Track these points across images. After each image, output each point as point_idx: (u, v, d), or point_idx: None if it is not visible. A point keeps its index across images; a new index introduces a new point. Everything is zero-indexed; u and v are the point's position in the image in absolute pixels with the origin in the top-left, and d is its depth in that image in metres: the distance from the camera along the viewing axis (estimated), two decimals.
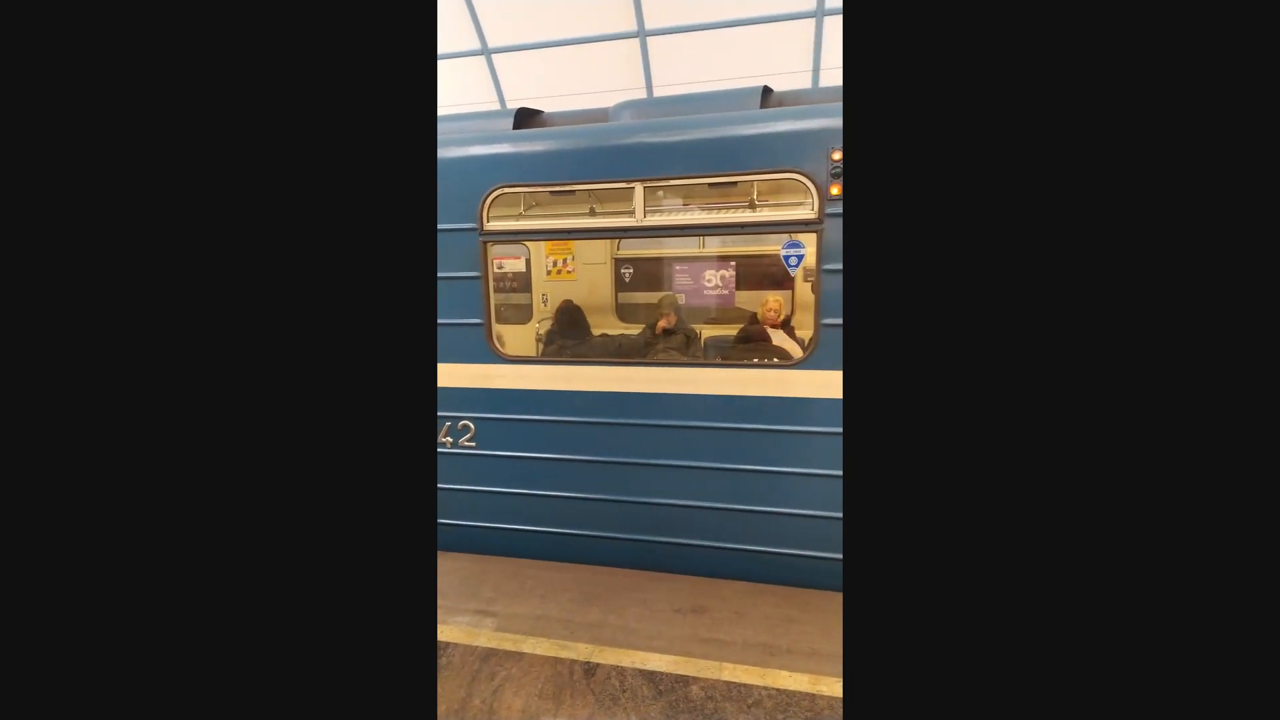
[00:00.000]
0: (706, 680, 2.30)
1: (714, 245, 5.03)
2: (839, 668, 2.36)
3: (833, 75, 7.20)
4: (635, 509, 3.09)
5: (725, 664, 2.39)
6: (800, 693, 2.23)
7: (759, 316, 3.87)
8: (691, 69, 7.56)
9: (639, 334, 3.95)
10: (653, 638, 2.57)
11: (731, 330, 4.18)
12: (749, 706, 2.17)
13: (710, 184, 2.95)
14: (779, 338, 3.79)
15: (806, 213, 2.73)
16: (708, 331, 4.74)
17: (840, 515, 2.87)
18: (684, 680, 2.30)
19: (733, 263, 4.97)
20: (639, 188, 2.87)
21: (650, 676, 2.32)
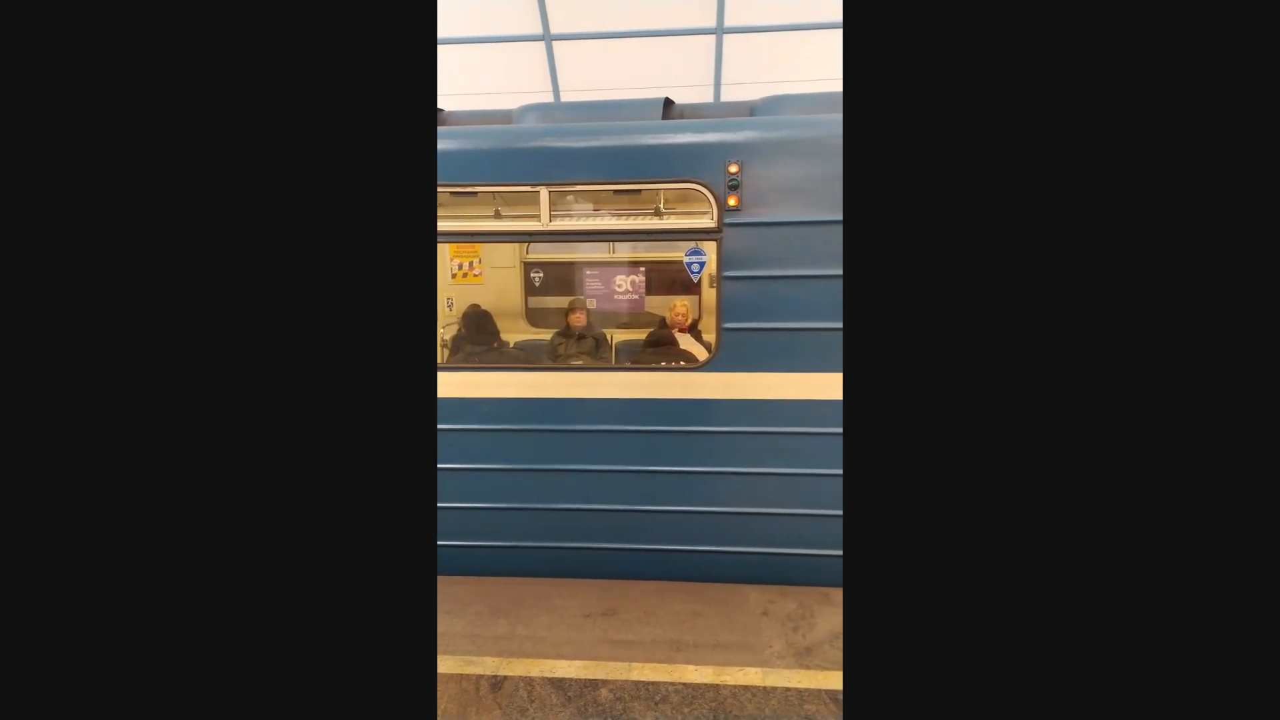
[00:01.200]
0: (616, 682, 2.32)
1: (625, 251, 5.10)
2: (743, 657, 2.46)
3: (733, 90, 7.53)
4: (548, 516, 3.06)
5: (634, 664, 2.42)
6: (705, 685, 2.30)
7: (667, 321, 3.96)
8: (597, 75, 7.59)
9: (551, 338, 3.92)
10: (562, 645, 2.55)
11: (642, 334, 4.25)
12: (656, 704, 2.21)
13: (616, 190, 2.99)
14: (686, 341, 3.90)
15: (707, 222, 2.85)
16: (619, 336, 4.79)
17: (747, 510, 3.02)
18: (593, 684, 2.30)
19: (642, 268, 5.05)
20: (544, 192, 2.86)
21: (559, 684, 2.31)
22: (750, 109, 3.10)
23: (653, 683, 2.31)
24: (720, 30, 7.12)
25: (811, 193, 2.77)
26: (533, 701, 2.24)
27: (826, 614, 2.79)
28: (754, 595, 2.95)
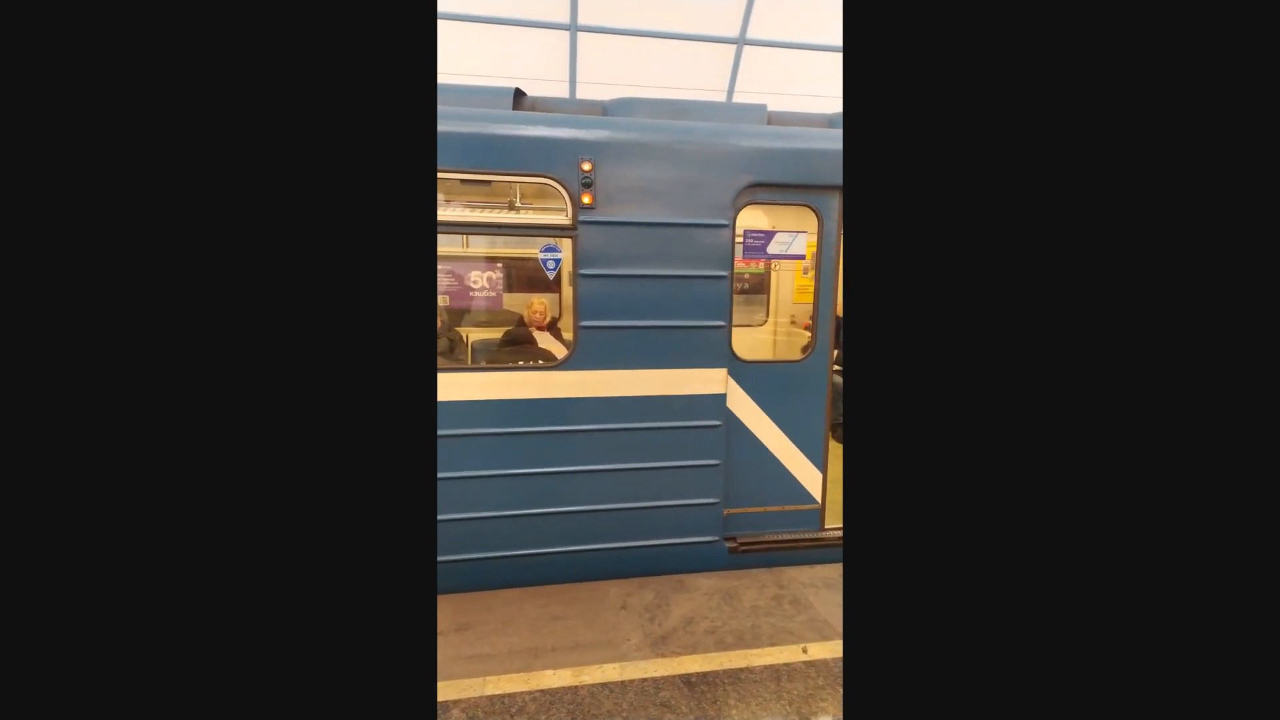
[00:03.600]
0: (469, 700, 2.20)
1: (481, 246, 4.88)
2: (601, 654, 2.48)
3: (588, 90, 7.57)
4: None
5: (489, 677, 2.32)
6: (563, 688, 2.27)
7: (525, 319, 3.86)
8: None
9: None
10: None
11: (499, 333, 4.10)
12: (513, 715, 2.14)
13: (463, 180, 2.84)
14: (545, 340, 3.84)
15: (563, 219, 2.81)
16: (475, 335, 4.57)
17: (613, 506, 3.03)
18: (444, 706, 2.17)
19: (500, 265, 4.87)
20: None
21: None
22: (603, 109, 3.11)
23: (509, 694, 2.23)
24: (574, 28, 7.12)
25: (664, 195, 2.86)
26: None
27: (680, 600, 2.91)
28: (614, 590, 2.98)
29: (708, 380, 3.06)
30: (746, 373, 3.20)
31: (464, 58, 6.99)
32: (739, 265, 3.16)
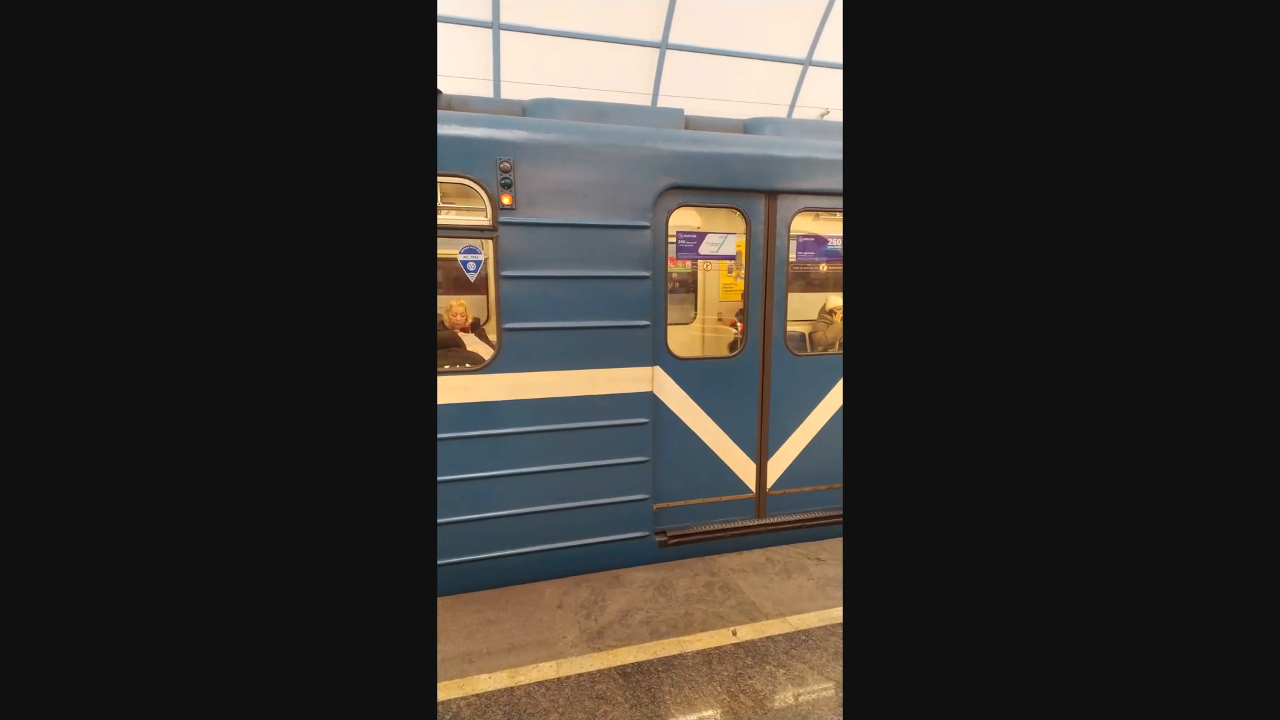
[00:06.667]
0: None
1: None
2: (537, 654, 2.48)
3: (511, 89, 7.50)
4: None
5: None
6: (499, 690, 2.26)
7: (445, 322, 3.78)
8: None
9: None
10: None
11: None
12: None
13: None
14: (471, 342, 3.77)
15: (483, 219, 2.78)
16: None
17: (542, 509, 3.02)
18: None
19: None
20: None
21: None
22: (522, 109, 3.11)
23: (443, 702, 2.20)
24: (496, 26, 7.02)
25: (584, 196, 2.89)
26: None
27: (616, 595, 2.95)
28: (549, 590, 2.99)
29: (634, 379, 3.11)
30: (682, 369, 3.25)
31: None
32: (671, 265, 3.24)
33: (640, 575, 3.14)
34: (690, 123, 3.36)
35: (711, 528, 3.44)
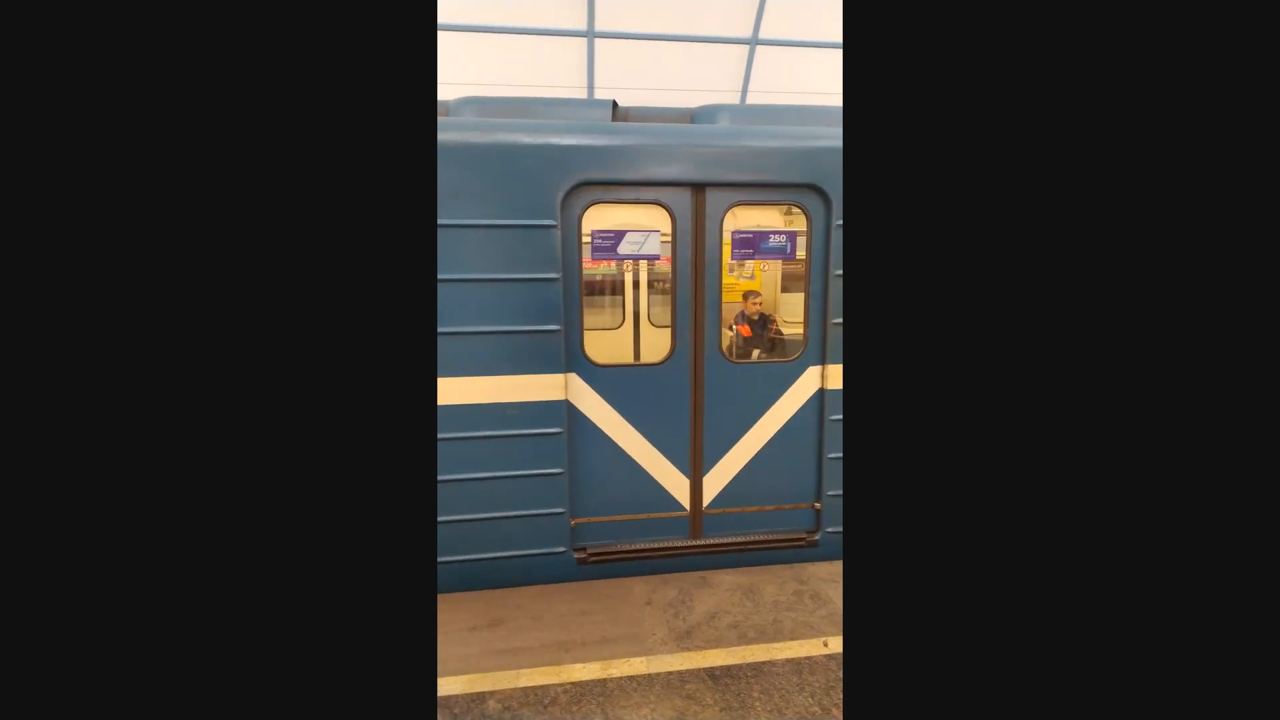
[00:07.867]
0: (503, 691, 2.31)
1: None
2: (628, 648, 2.57)
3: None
4: None
5: (522, 670, 2.43)
6: (592, 681, 2.37)
7: None
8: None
9: None
10: (446, 661, 2.49)
11: None
12: (545, 707, 2.24)
13: None
14: None
15: None
16: None
17: (449, 519, 2.95)
18: (480, 697, 2.28)
19: None
20: None
21: (445, 702, 2.25)
22: (446, 109, 3.07)
23: (541, 686, 2.34)
24: (591, 34, 7.20)
25: (484, 196, 2.76)
26: None
27: (704, 596, 2.99)
28: (638, 588, 3.07)
29: (545, 386, 2.94)
30: (601, 376, 3.06)
31: (475, 66, 7.12)
32: (588, 266, 3.04)
33: (728, 578, 3.16)
34: (628, 114, 3.16)
35: (639, 546, 3.23)
